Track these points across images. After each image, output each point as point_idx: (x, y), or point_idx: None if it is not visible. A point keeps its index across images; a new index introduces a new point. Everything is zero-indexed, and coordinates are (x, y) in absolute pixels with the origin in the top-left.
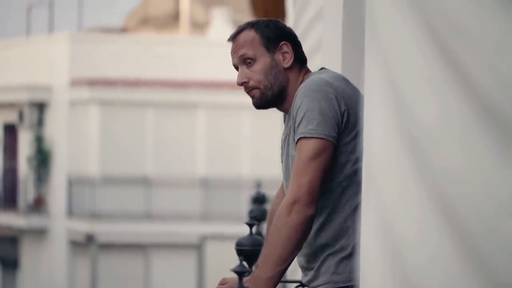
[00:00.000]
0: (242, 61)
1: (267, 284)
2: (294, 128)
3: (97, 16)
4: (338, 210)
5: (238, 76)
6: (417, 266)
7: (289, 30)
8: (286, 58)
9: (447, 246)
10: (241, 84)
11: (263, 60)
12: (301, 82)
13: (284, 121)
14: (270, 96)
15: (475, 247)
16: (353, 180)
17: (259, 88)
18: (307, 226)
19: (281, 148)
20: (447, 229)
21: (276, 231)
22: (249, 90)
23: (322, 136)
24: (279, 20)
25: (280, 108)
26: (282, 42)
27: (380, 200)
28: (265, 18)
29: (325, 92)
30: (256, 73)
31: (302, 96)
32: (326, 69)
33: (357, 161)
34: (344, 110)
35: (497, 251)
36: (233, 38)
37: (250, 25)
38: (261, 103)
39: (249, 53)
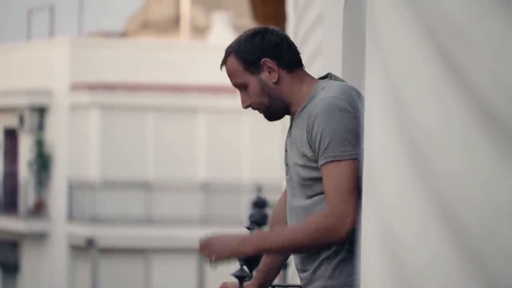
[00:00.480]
0: (238, 87)
1: (247, 250)
2: (315, 149)
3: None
4: None
5: (241, 101)
6: (417, 268)
7: (268, 40)
8: (271, 73)
9: (447, 248)
10: (246, 107)
11: (252, 84)
12: (304, 86)
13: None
14: (274, 112)
15: (474, 250)
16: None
17: (261, 108)
18: (331, 245)
19: (285, 151)
20: (446, 231)
21: (302, 233)
22: (256, 109)
23: (354, 157)
24: (259, 31)
25: (291, 114)
26: (262, 60)
27: (380, 203)
28: (243, 34)
29: (346, 112)
30: (252, 96)
31: (322, 118)
32: (333, 76)
33: (360, 170)
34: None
35: (496, 253)
36: (223, 66)
37: (231, 50)
38: (270, 117)
39: (239, 81)
